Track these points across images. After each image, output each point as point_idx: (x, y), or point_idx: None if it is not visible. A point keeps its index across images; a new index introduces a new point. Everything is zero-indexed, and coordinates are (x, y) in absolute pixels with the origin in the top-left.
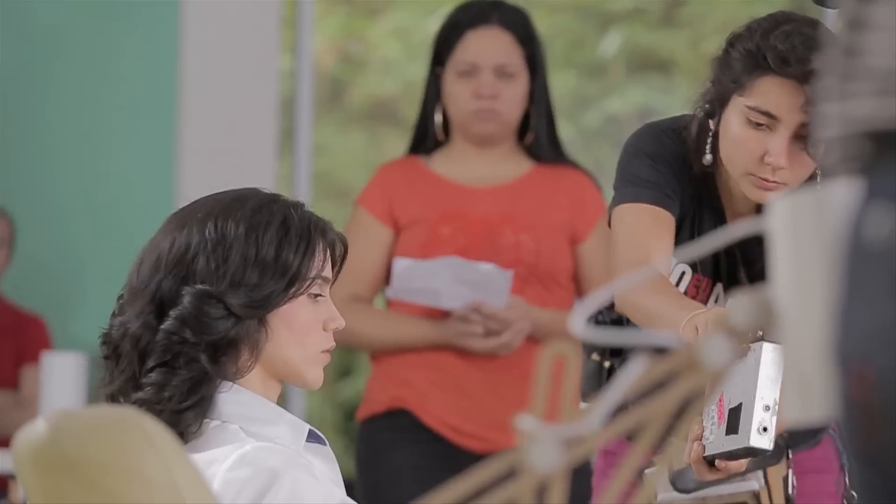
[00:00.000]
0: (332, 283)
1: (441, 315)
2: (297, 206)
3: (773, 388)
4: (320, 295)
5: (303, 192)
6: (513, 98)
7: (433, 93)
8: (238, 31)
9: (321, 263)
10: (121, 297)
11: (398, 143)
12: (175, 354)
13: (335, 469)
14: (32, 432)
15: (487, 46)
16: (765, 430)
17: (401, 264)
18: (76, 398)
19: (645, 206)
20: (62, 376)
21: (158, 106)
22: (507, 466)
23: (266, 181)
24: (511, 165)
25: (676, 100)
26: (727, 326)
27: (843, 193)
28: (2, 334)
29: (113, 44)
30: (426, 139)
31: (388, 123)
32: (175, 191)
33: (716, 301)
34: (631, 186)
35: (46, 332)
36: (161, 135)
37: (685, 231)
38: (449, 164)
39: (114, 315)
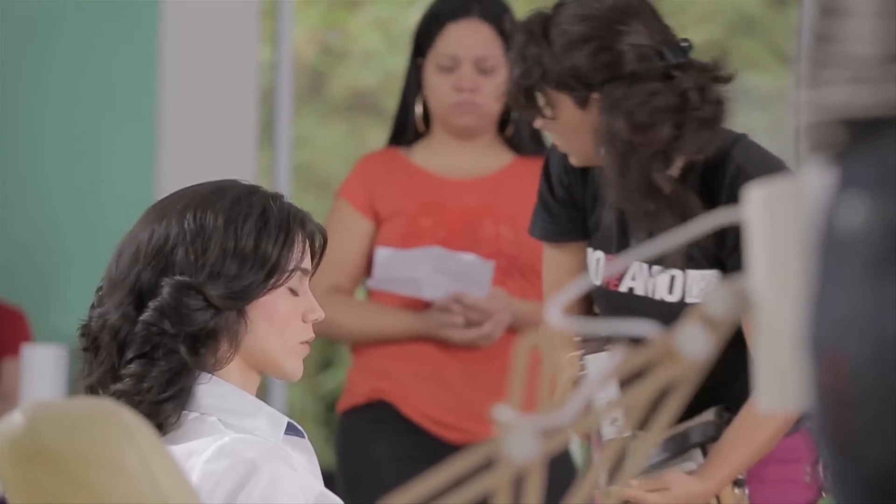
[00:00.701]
0: (312, 275)
1: (422, 306)
2: (277, 197)
3: (606, 390)
4: (298, 289)
5: (283, 184)
6: (493, 91)
7: (413, 84)
8: (218, 22)
9: (300, 255)
10: (100, 288)
11: (379, 134)
12: (154, 346)
13: (314, 461)
14: (10, 425)
15: (468, 39)
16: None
17: (382, 254)
18: (56, 391)
19: (551, 248)
20: (42, 369)
21: (139, 98)
22: (485, 457)
23: (247, 173)
24: (491, 158)
25: None
26: (704, 316)
27: (817, 181)
28: None
29: (93, 37)
30: (406, 130)
31: (369, 115)
32: (156, 183)
33: (632, 279)
34: (538, 221)
35: (26, 325)
36: (141, 127)
37: (601, 228)
38: (429, 156)
39: (93, 307)
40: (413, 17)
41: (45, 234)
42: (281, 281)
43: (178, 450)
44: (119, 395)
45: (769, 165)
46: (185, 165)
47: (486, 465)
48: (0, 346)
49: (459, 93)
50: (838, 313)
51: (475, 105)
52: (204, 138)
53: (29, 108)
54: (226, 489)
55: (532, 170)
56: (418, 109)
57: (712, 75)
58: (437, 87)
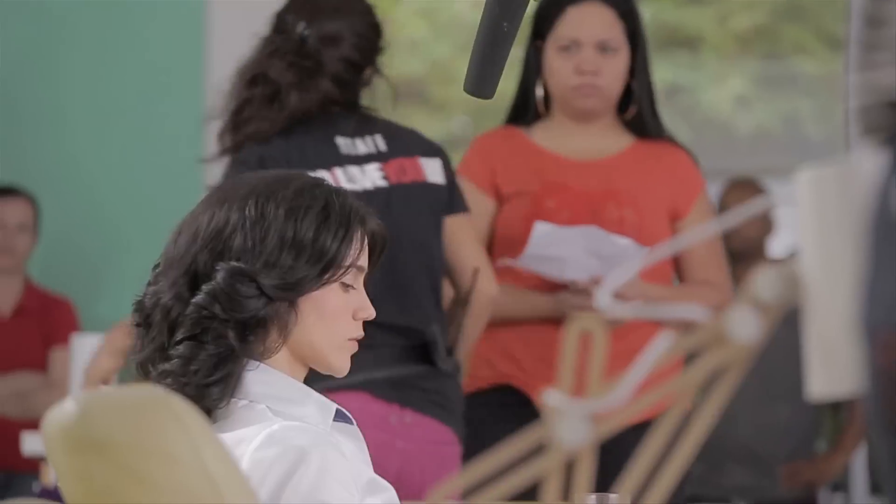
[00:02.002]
0: (369, 274)
1: (550, 288)
2: (340, 192)
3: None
4: (352, 286)
5: None
6: (614, 73)
7: (533, 67)
8: (264, 14)
9: (357, 252)
10: (157, 266)
11: (425, 122)
12: (204, 329)
13: (363, 448)
14: (62, 413)
15: (589, 22)
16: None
17: (541, 228)
18: None
19: None
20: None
21: (187, 89)
22: (536, 442)
23: None
24: (611, 140)
25: (704, 76)
26: (755, 300)
27: (868, 164)
28: (29, 317)
29: (142, 30)
30: (526, 112)
31: (415, 103)
32: (205, 173)
33: None
34: None
35: (74, 314)
36: (189, 117)
37: None
38: (550, 137)
39: (149, 284)
40: (457, 5)
41: (93, 225)
42: (336, 276)
43: (227, 437)
44: (166, 375)
45: None
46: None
47: (537, 450)
48: (49, 336)
49: (581, 75)
50: (892, 294)
51: (596, 87)
52: None
53: (78, 99)
54: (276, 476)
55: (653, 153)
56: (539, 92)
57: None
58: (559, 69)
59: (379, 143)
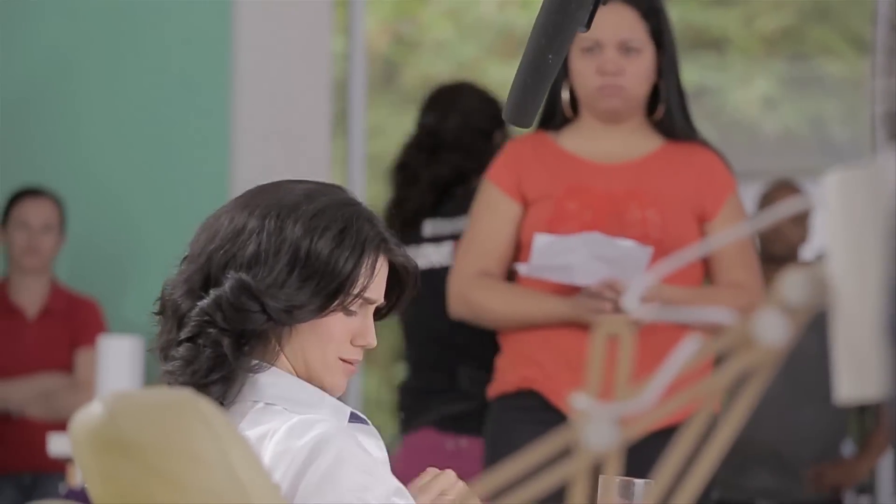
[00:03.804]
0: (393, 313)
1: (569, 292)
2: (364, 215)
3: None
4: (356, 310)
5: (357, 175)
6: (638, 73)
7: (560, 70)
8: (290, 14)
9: (367, 281)
10: (185, 259)
11: None
12: (202, 333)
13: (381, 446)
14: (89, 414)
15: (610, 22)
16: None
17: (541, 240)
18: (132, 381)
19: None
20: (118, 359)
21: (213, 91)
22: (563, 445)
23: (320, 163)
24: (640, 141)
25: (730, 78)
26: (782, 303)
27: (894, 170)
28: (56, 318)
29: (167, 31)
30: (554, 116)
31: None
32: (230, 174)
33: None
34: None
35: (101, 316)
36: (216, 119)
37: None
38: (578, 140)
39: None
40: (484, 6)
41: (120, 226)
42: (341, 305)
43: (250, 434)
44: (169, 374)
45: None
46: (259, 157)
47: (564, 454)
48: (75, 337)
49: (603, 76)
50: None
51: (620, 88)
52: (278, 130)
53: (104, 102)
54: (296, 465)
55: (682, 154)
56: (565, 95)
57: None
58: (581, 71)
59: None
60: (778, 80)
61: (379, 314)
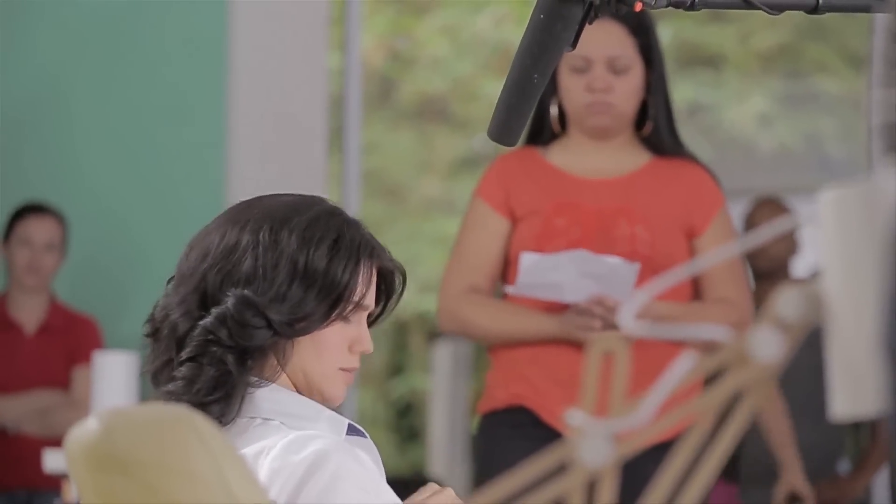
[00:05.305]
0: (381, 316)
1: (559, 309)
2: (352, 223)
3: None
4: (352, 318)
5: (353, 191)
6: (626, 90)
7: (548, 86)
8: (286, 29)
9: (364, 289)
10: (171, 279)
11: (448, 140)
12: (205, 352)
13: (377, 460)
14: (85, 431)
15: (599, 39)
16: None
17: (527, 259)
18: (128, 397)
19: None
20: (114, 376)
21: (209, 106)
22: (557, 461)
23: (316, 180)
24: (628, 157)
25: (726, 95)
26: (777, 320)
27: (890, 182)
28: (54, 335)
29: (162, 45)
30: (542, 131)
31: (438, 121)
32: (226, 190)
33: None
34: None
35: (98, 333)
36: (212, 134)
37: None
38: (566, 156)
39: (165, 296)
40: (481, 22)
41: (118, 245)
42: (344, 313)
43: (246, 452)
44: (170, 395)
45: None
46: (255, 172)
47: (559, 470)
48: (72, 354)
49: (592, 93)
50: None
51: (609, 105)
52: (273, 145)
53: (100, 120)
54: (293, 482)
55: (670, 170)
56: (554, 111)
57: None
58: (571, 88)
59: None
60: (774, 98)
61: (369, 320)
